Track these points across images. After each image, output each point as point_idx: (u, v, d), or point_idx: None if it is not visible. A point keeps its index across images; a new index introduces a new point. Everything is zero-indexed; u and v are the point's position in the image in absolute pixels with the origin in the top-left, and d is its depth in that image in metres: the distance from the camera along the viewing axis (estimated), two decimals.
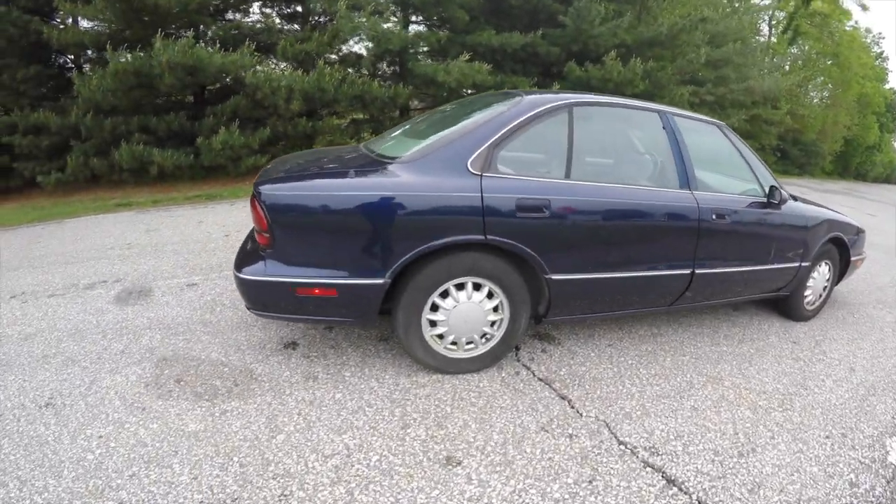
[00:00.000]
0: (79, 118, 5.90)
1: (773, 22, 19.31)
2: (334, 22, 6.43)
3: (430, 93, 7.33)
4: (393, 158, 1.81)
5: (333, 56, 7.22)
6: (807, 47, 19.64)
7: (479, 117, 1.92)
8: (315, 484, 1.35)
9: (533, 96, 1.96)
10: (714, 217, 2.11)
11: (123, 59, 5.40)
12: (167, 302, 2.56)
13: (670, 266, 2.08)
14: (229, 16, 7.35)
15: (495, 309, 1.84)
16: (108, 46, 5.45)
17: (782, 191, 2.35)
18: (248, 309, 1.77)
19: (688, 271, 2.12)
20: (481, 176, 1.71)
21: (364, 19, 6.10)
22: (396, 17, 7.83)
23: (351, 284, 1.64)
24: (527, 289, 1.84)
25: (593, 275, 1.90)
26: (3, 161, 6.39)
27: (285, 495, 1.31)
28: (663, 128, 2.18)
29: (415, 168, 1.71)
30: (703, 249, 2.11)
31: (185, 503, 1.29)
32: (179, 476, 1.38)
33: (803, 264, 2.55)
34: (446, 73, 6.43)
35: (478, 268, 1.73)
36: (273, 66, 6.50)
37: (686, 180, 2.12)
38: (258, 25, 7.33)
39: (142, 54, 5.51)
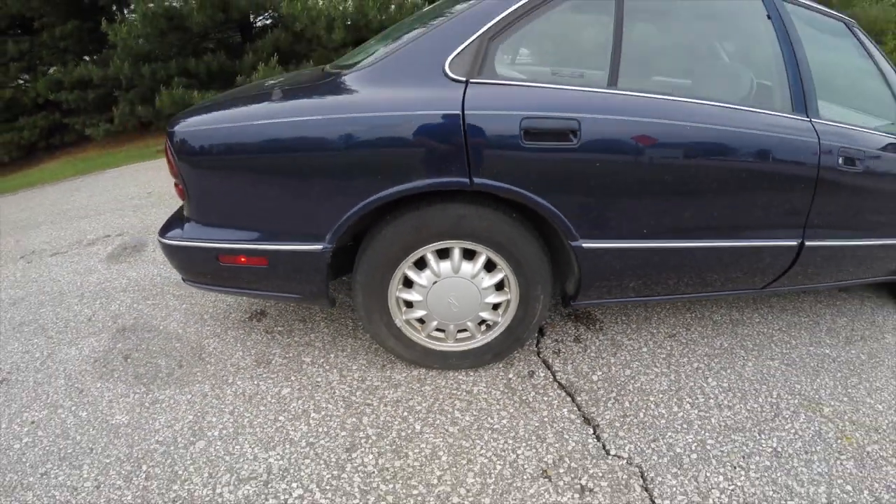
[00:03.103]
0: (118, 68, 6.22)
1: None
2: None
3: None
4: (346, 68, 1.38)
5: None
6: None
7: None
8: None
9: None
10: (841, 162, 1.53)
11: (149, 2, 5.46)
12: (154, 259, 2.52)
13: (768, 234, 1.54)
14: None
15: (499, 287, 1.40)
16: None
17: None
18: (184, 281, 1.55)
19: (794, 242, 1.58)
20: (466, 83, 1.22)
21: None
22: None
23: (282, 252, 1.31)
24: (547, 260, 1.37)
25: (650, 243, 1.36)
26: (55, 118, 7.14)
27: None
28: (768, 16, 1.55)
29: (369, 77, 1.27)
30: (820, 210, 1.55)
31: None
32: (84, 481, 1.26)
33: None
34: None
35: (466, 227, 1.28)
36: None
37: (802, 101, 1.52)
38: None
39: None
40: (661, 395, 1.51)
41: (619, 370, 1.60)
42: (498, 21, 1.25)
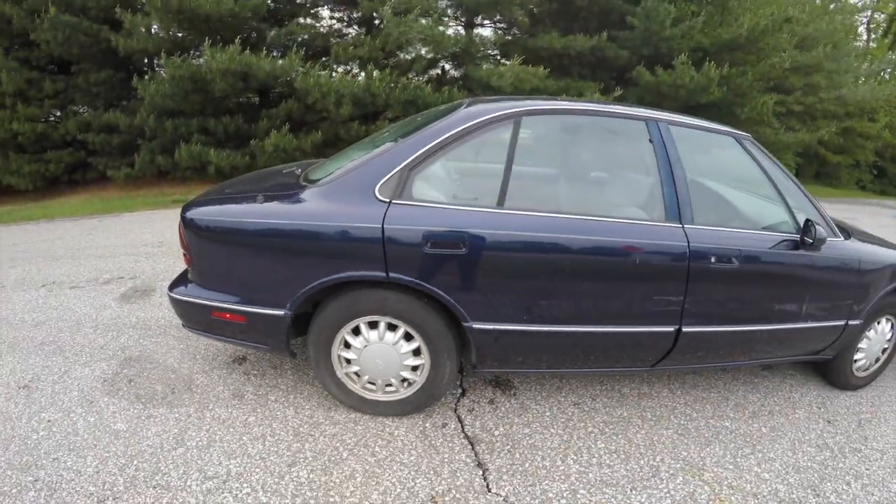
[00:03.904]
0: (144, 119, 7.17)
1: (872, 25, 19.31)
2: (382, 26, 7.02)
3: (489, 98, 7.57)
4: (312, 182, 1.91)
5: (391, 60, 7.82)
6: None
7: (415, 132, 1.89)
8: (181, 502, 1.59)
9: (475, 106, 1.92)
10: (714, 261, 1.86)
11: (177, 65, 6.50)
12: (160, 304, 3.07)
13: (643, 322, 1.88)
14: (287, 21, 8.33)
15: (416, 352, 1.91)
16: (162, 53, 6.57)
17: (819, 226, 1.97)
18: (183, 326, 2.10)
19: (671, 329, 1.91)
20: (389, 203, 1.73)
21: (410, 24, 6.53)
22: (452, 19, 8.28)
23: (256, 313, 1.85)
24: (451, 335, 1.86)
25: (530, 327, 1.83)
26: (80, 156, 8.05)
27: None
28: (650, 140, 1.96)
29: (323, 194, 1.80)
30: (695, 302, 1.89)
31: (79, 491, 1.63)
32: (87, 467, 1.72)
33: (852, 322, 2.21)
34: (500, 77, 6.61)
35: (388, 307, 1.81)
36: (327, 71, 7.22)
37: (676, 210, 1.89)
38: (314, 30, 8.22)
39: (199, 60, 6.55)
40: (549, 451, 1.90)
41: (519, 429, 2.02)
42: (416, 156, 1.77)
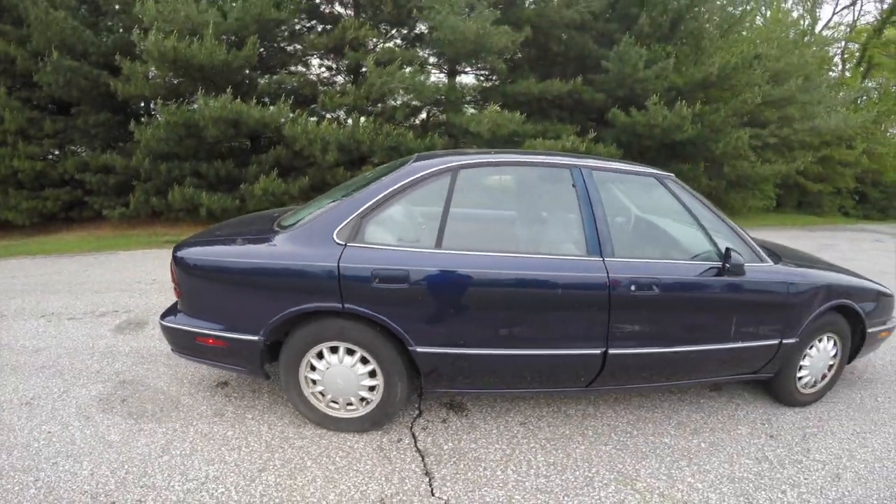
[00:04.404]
0: (139, 161, 7.67)
1: (846, 55, 20.69)
2: (365, 74, 7.64)
3: (469, 143, 8.15)
4: (284, 228, 2.27)
5: (377, 107, 8.42)
6: (884, 80, 19.74)
7: (370, 184, 2.25)
8: (164, 499, 1.91)
9: (420, 161, 2.26)
10: (633, 289, 2.12)
11: (172, 112, 7.03)
12: (152, 335, 3.42)
13: (571, 345, 2.15)
14: (278, 70, 8.95)
15: (373, 374, 2.25)
16: (158, 99, 7.10)
17: (736, 253, 2.21)
18: (172, 351, 2.45)
19: (598, 351, 2.16)
20: (345, 245, 2.07)
21: (392, 74, 7.12)
22: (435, 67, 8.97)
23: (234, 339, 2.20)
24: (401, 358, 2.20)
25: (468, 350, 2.14)
26: (77, 195, 8.53)
27: (140, 501, 1.89)
28: (573, 185, 2.25)
29: (291, 238, 2.15)
30: (620, 326, 2.14)
31: (75, 489, 1.94)
32: (83, 470, 2.05)
33: (786, 341, 2.42)
34: (478, 123, 7.14)
35: (346, 334, 2.16)
36: (314, 118, 7.76)
37: (596, 245, 2.16)
38: (303, 78, 8.85)
39: (193, 106, 7.08)
40: (491, 463, 2.14)
41: (466, 444, 2.30)
42: (367, 206, 2.12)
